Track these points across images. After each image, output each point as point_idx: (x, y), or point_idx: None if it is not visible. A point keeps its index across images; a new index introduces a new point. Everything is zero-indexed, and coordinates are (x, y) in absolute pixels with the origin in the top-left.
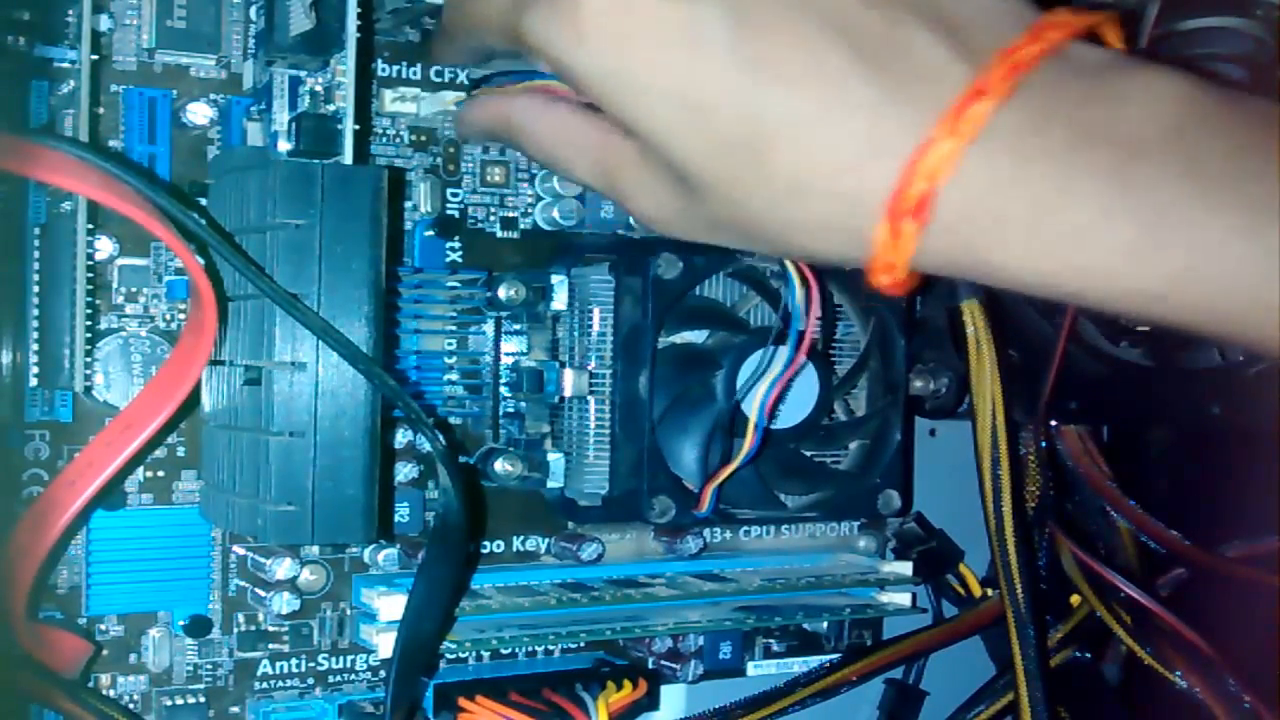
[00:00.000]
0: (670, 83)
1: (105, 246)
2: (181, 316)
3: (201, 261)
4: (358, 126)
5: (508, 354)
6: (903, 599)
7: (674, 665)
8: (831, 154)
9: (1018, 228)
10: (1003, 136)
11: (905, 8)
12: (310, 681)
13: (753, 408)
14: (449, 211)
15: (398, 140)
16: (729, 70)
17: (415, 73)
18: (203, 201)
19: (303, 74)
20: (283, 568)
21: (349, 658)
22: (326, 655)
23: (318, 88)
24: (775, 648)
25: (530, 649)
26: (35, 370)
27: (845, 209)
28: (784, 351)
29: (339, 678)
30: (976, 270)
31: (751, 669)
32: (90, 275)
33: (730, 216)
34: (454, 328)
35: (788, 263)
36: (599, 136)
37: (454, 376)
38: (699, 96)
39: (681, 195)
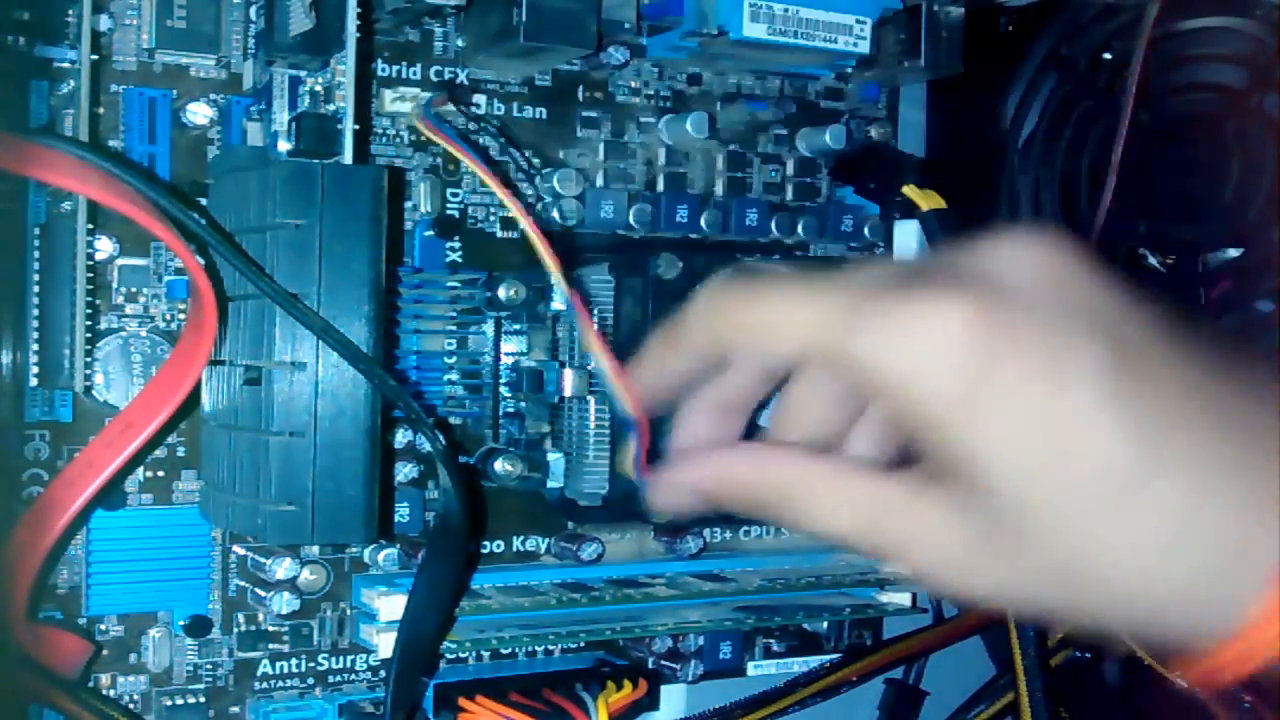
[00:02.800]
0: (1036, 416)
1: (105, 246)
2: (181, 316)
3: (201, 261)
4: (358, 126)
5: (508, 354)
6: (903, 599)
7: (674, 665)
8: (1212, 515)
9: None
10: None
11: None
12: (310, 681)
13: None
14: (449, 211)
15: (398, 140)
16: (1105, 407)
17: (415, 73)
18: (203, 201)
19: (303, 74)
20: (283, 568)
21: (349, 658)
22: (326, 655)
23: (318, 88)
24: (775, 648)
25: (530, 649)
26: (35, 370)
27: (1217, 579)
28: None
29: (339, 678)
30: None
31: (751, 669)
32: (90, 275)
33: (1065, 560)
34: (454, 328)
35: None
36: (864, 491)
37: (454, 376)
38: (1066, 431)
39: (993, 537)
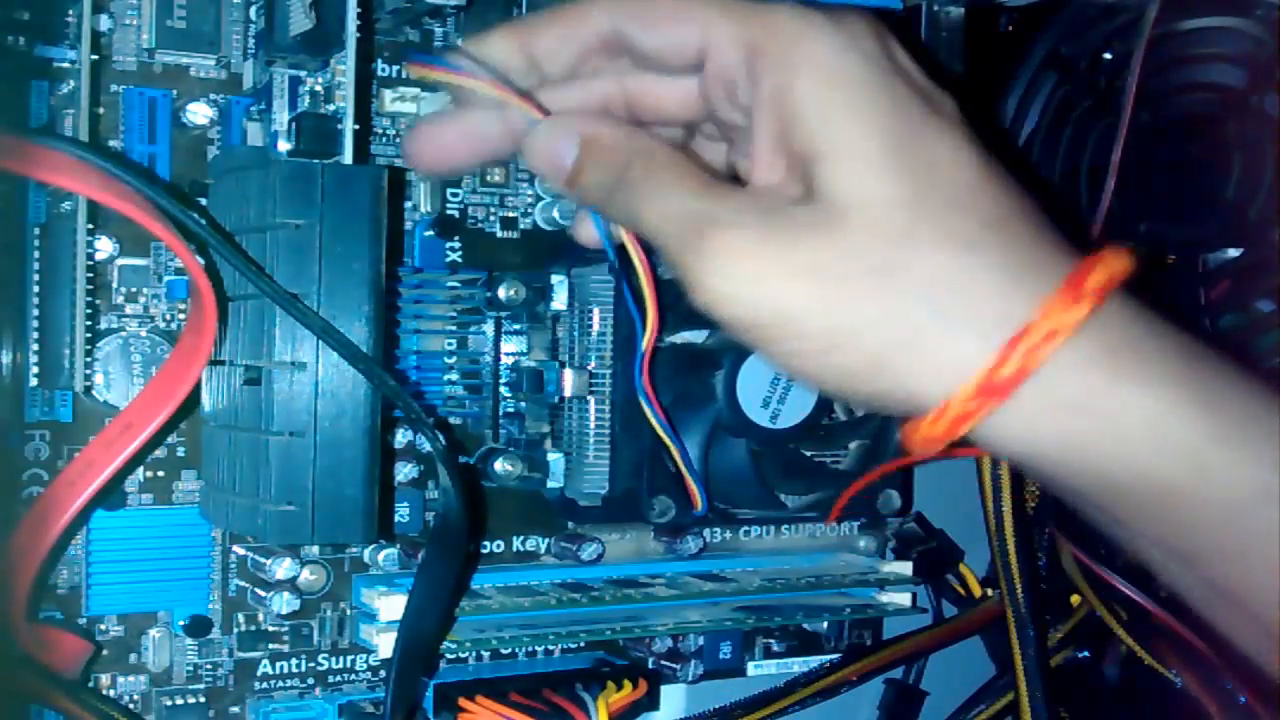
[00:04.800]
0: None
1: (105, 246)
2: (181, 316)
3: (201, 261)
4: (358, 126)
5: (508, 354)
6: (903, 599)
7: (674, 665)
8: (941, 317)
9: (1096, 420)
10: (1096, 336)
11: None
12: (310, 681)
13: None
14: (449, 211)
15: (398, 140)
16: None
17: None
18: (203, 201)
19: (303, 74)
20: (283, 568)
21: (349, 658)
22: (326, 655)
23: (318, 88)
24: (775, 648)
25: (530, 649)
26: (35, 370)
27: (933, 371)
28: None
29: (339, 678)
30: (1021, 457)
31: (751, 669)
32: (90, 275)
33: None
34: (454, 328)
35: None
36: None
37: (454, 376)
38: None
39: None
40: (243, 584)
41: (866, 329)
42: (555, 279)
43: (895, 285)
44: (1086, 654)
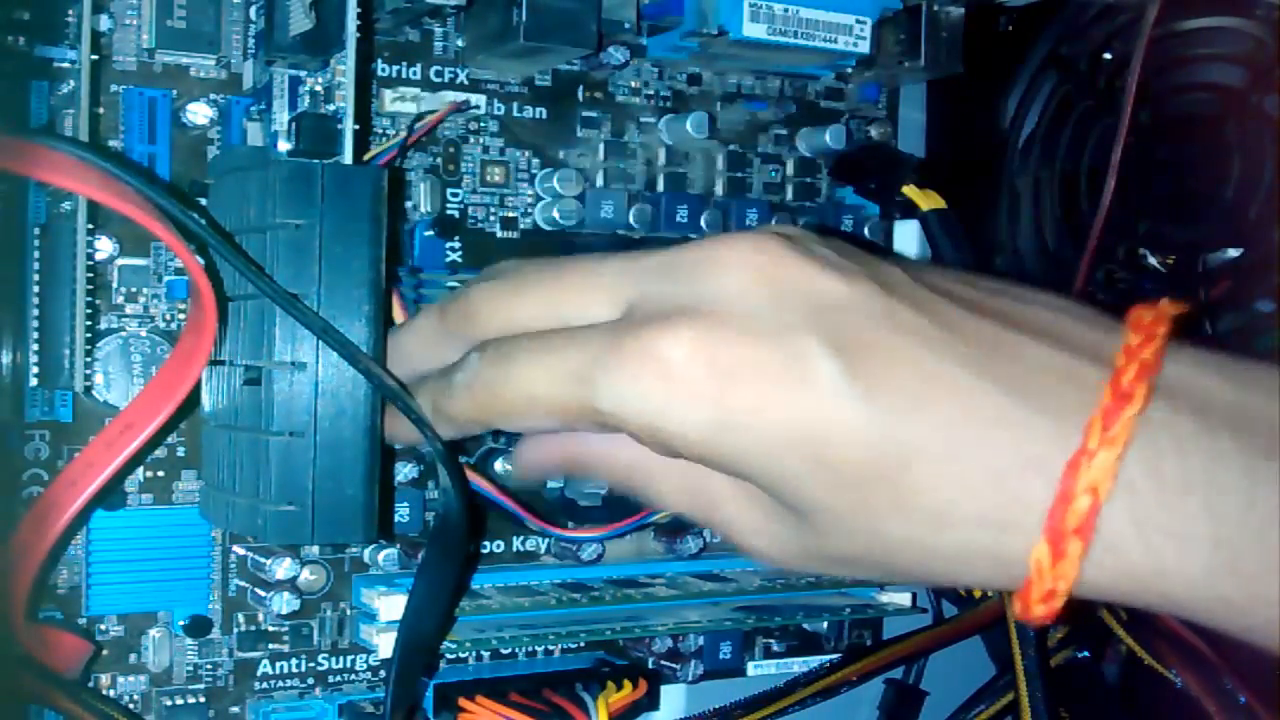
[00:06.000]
0: (782, 424)
1: (105, 246)
2: (181, 316)
3: (201, 261)
4: (358, 126)
5: None
6: (903, 599)
7: (674, 665)
8: (974, 475)
9: (1197, 541)
10: (1158, 440)
11: (994, 318)
12: (310, 681)
13: None
14: (449, 211)
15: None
16: (844, 401)
17: (415, 73)
18: (203, 201)
19: (303, 74)
20: (283, 568)
21: (349, 658)
22: (326, 655)
23: (318, 88)
24: (775, 648)
25: (530, 649)
26: (35, 370)
27: (994, 533)
28: None
29: (339, 678)
30: (1145, 595)
31: (751, 669)
32: (90, 275)
33: (862, 549)
34: None
35: None
36: (693, 479)
37: None
38: (816, 433)
39: (799, 531)
40: (243, 584)
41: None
42: None
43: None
44: (1086, 654)
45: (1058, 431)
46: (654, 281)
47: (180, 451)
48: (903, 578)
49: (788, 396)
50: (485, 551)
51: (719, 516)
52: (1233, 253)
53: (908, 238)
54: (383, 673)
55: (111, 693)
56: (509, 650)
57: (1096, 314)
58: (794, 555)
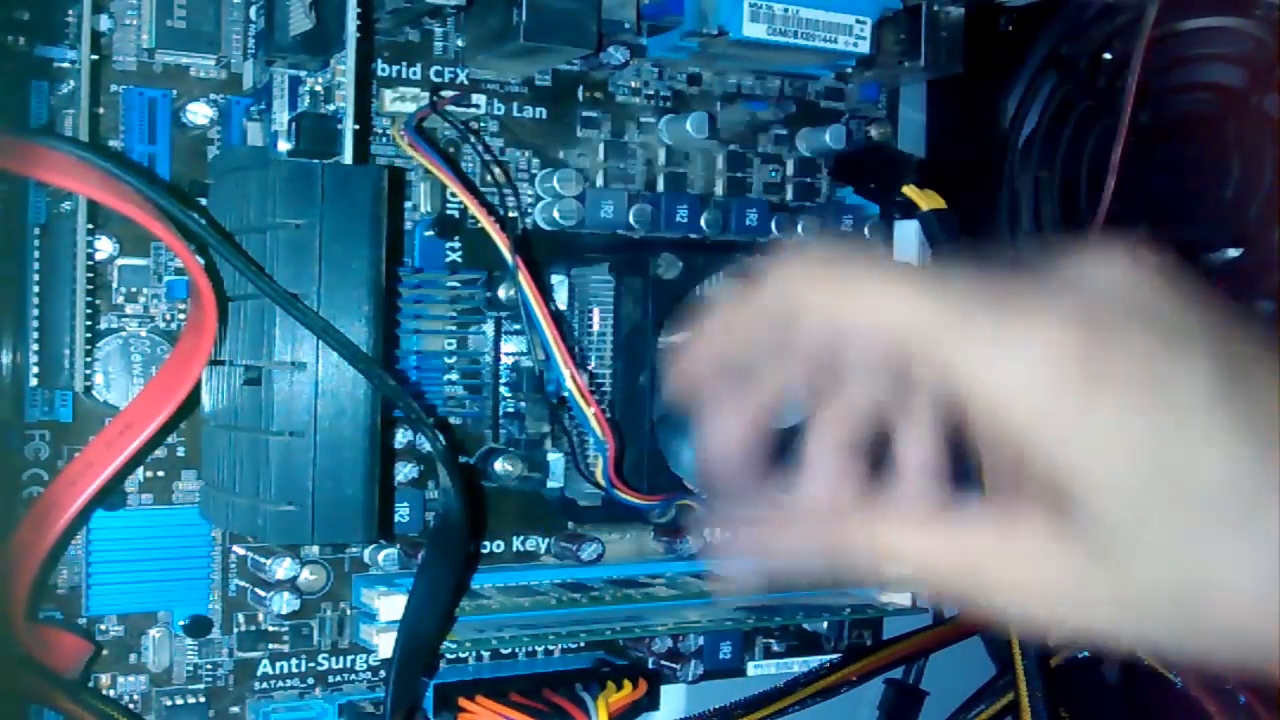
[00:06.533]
0: (1138, 440)
1: (105, 246)
2: (181, 316)
3: (201, 261)
4: (358, 126)
5: (508, 354)
6: (903, 599)
7: (674, 665)
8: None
9: None
10: None
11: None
12: (310, 681)
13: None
14: (449, 211)
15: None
16: (1213, 431)
17: (415, 73)
18: (203, 201)
19: (303, 74)
20: (283, 568)
21: (349, 658)
22: (326, 655)
23: (318, 88)
24: (775, 648)
25: (530, 649)
26: (35, 370)
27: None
28: None
29: (339, 678)
30: None
31: (751, 669)
32: (90, 275)
33: (1176, 591)
34: (454, 328)
35: None
36: (958, 535)
37: (454, 376)
38: (1173, 458)
39: (1095, 566)
40: (243, 584)
41: None
42: (555, 279)
43: None
44: (1086, 654)
45: None
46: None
47: (180, 451)
48: (1210, 638)
49: (1158, 407)
50: (485, 551)
51: (992, 573)
52: (1233, 253)
53: (908, 238)
54: (383, 673)
55: (111, 693)
56: (509, 650)
57: None
58: (1086, 596)
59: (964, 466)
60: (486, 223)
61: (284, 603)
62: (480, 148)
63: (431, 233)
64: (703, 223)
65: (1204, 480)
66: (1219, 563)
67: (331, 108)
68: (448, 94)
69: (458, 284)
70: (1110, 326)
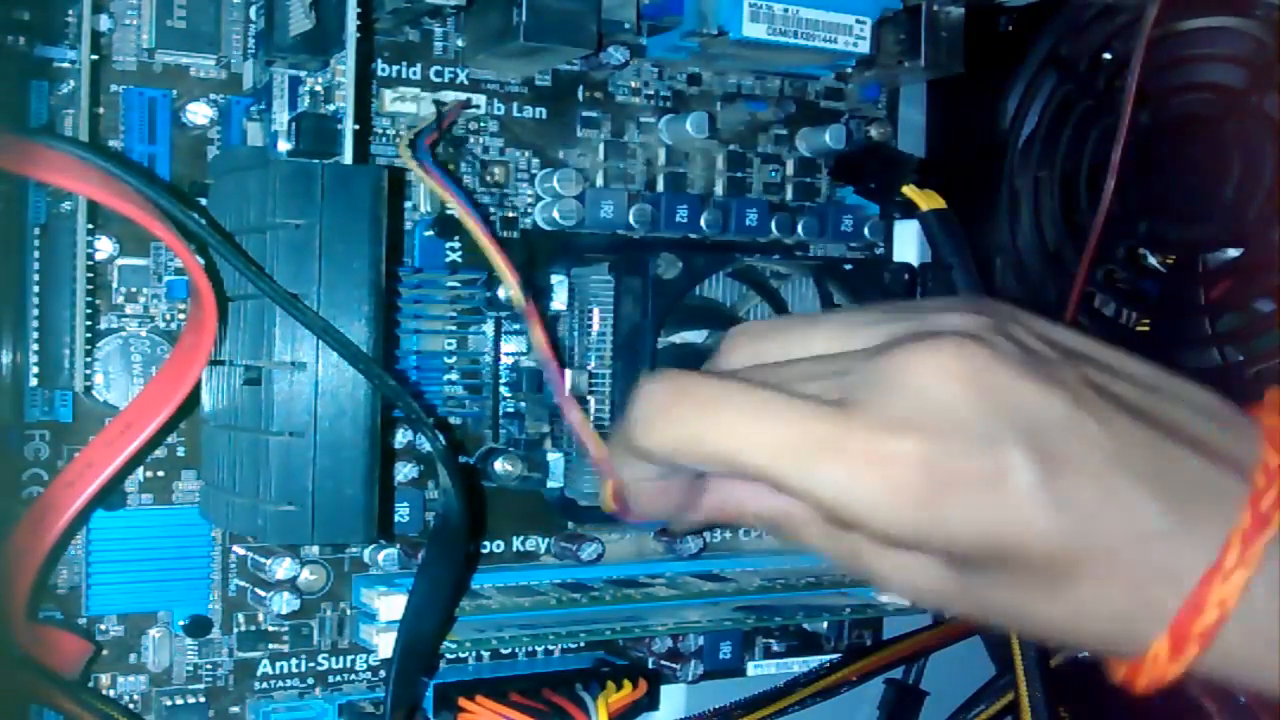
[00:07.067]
0: (980, 524)
1: (105, 246)
2: (181, 316)
3: (201, 261)
4: (358, 126)
5: (508, 354)
6: (903, 599)
7: (674, 665)
8: (1124, 580)
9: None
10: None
11: (1153, 425)
12: (310, 681)
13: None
14: (449, 211)
15: (398, 140)
16: (1039, 510)
17: (415, 73)
18: (203, 201)
19: (303, 74)
20: (283, 568)
21: (349, 658)
22: (326, 655)
23: (318, 88)
24: (775, 648)
25: (530, 649)
26: (35, 370)
27: (1124, 624)
28: None
29: (339, 678)
30: (1240, 681)
31: (751, 669)
32: (90, 275)
33: (1000, 611)
34: (454, 328)
35: None
36: (849, 542)
37: (454, 376)
38: (1008, 535)
39: (949, 582)
40: (243, 584)
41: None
42: (555, 279)
43: None
44: (1086, 654)
45: (1200, 545)
46: (864, 389)
47: (180, 451)
48: (1027, 633)
49: (992, 502)
50: (485, 551)
51: (870, 567)
52: (1233, 253)
53: (908, 238)
54: (383, 673)
55: (111, 693)
56: (509, 650)
57: (1233, 412)
58: (946, 599)
59: None
60: (497, 260)
61: (284, 603)
62: (479, 150)
63: (431, 233)
64: (702, 223)
65: (1035, 550)
66: (1041, 609)
67: (331, 108)
68: (449, 109)
69: (458, 284)
70: (947, 434)
